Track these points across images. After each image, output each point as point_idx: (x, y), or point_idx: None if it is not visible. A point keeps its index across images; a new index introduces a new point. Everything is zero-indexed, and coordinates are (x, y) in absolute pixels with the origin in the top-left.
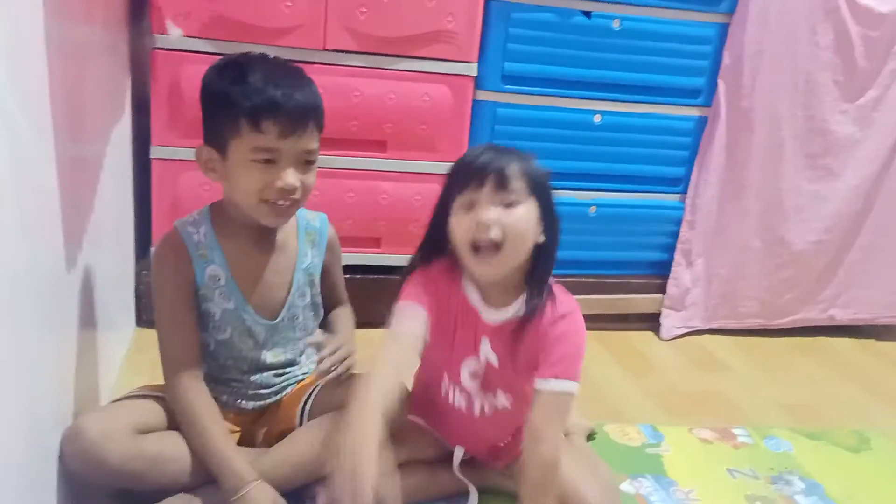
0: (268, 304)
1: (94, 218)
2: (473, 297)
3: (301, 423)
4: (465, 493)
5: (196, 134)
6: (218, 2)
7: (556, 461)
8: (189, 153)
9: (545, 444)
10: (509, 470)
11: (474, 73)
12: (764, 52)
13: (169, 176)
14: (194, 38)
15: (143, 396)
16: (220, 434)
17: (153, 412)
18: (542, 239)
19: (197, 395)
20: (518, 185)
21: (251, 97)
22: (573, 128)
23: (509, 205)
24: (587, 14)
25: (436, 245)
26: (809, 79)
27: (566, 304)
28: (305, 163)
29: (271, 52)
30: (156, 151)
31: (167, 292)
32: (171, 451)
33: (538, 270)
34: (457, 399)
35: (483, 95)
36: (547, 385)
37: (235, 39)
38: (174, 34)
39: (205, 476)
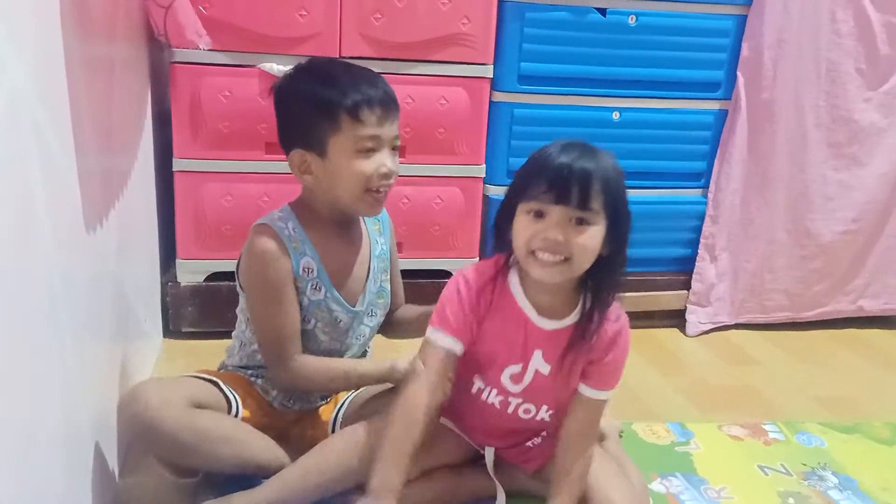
0: (351, 292)
1: (121, 230)
2: (525, 305)
3: (333, 431)
4: (493, 497)
5: (216, 146)
6: (234, 14)
7: (591, 460)
8: (210, 165)
9: (590, 443)
10: (540, 475)
11: (490, 75)
12: (783, 42)
13: (192, 188)
14: (212, 50)
15: (198, 377)
16: (340, 364)
17: (209, 392)
18: (605, 252)
19: (311, 358)
20: (595, 204)
21: (347, 93)
22: (592, 126)
23: (581, 222)
24: (602, 11)
25: (501, 241)
26: (831, 68)
27: (621, 316)
28: (394, 149)
29: (288, 62)
30: (178, 164)
31: (278, 280)
32: (223, 431)
33: (600, 280)
34: (490, 398)
35: (500, 97)
36: (596, 394)
37: (253, 50)
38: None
39: (251, 464)
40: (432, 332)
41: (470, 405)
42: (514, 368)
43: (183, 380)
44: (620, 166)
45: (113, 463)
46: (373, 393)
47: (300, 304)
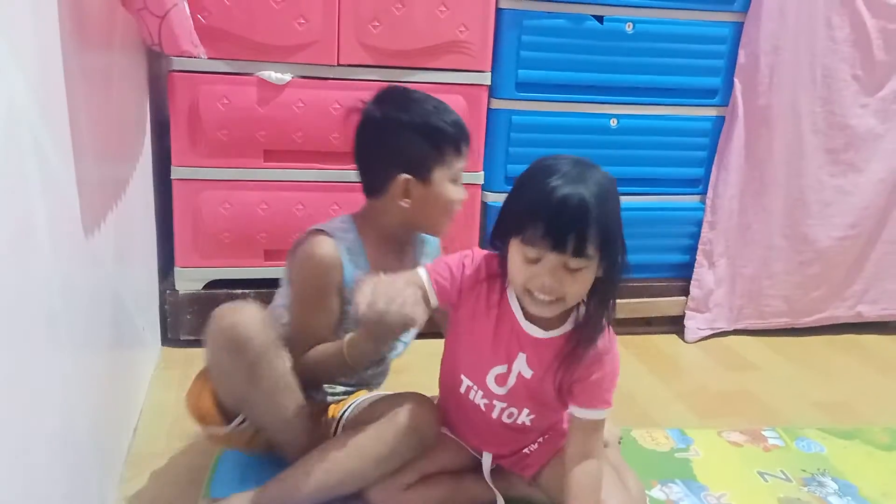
0: None
1: (120, 238)
2: (516, 309)
3: (335, 432)
4: (493, 503)
5: (214, 154)
6: (232, 22)
7: (600, 474)
8: (209, 172)
9: (590, 461)
10: (537, 480)
11: (488, 82)
12: (780, 48)
13: (190, 195)
14: (211, 59)
15: None
16: (319, 349)
17: None
18: (599, 275)
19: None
20: (591, 250)
21: (455, 126)
22: (589, 133)
23: (576, 270)
24: (599, 19)
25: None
26: (827, 73)
27: (609, 338)
28: None
29: (287, 69)
30: (176, 172)
31: (325, 288)
32: (291, 380)
33: (593, 301)
34: (477, 399)
35: (498, 104)
36: (588, 414)
37: (251, 58)
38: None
39: (293, 427)
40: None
41: (460, 408)
42: (500, 369)
43: None
44: (615, 185)
45: (112, 470)
46: (376, 398)
47: (346, 313)
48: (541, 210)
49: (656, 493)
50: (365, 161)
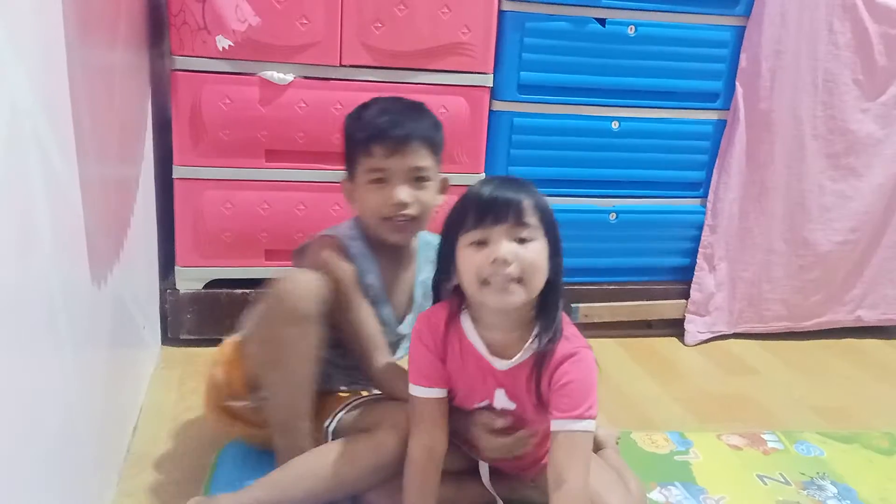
0: (398, 313)
1: (121, 238)
2: (478, 344)
3: (326, 437)
4: None
5: (216, 153)
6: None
7: (584, 499)
8: (210, 172)
9: (570, 484)
10: (537, 482)
11: (490, 84)
12: (781, 52)
13: (191, 195)
14: (213, 58)
15: None
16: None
17: None
18: (549, 275)
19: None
20: (532, 220)
21: (364, 128)
22: (591, 135)
23: (523, 240)
24: (602, 21)
25: (445, 281)
26: (828, 78)
27: (573, 343)
28: (417, 180)
29: (288, 70)
30: (178, 171)
31: (355, 287)
32: (315, 358)
33: (547, 308)
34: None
35: (500, 106)
36: (563, 426)
37: (253, 58)
38: (223, 44)
39: (299, 405)
40: (414, 388)
41: (460, 418)
42: (485, 404)
43: None
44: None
45: (111, 469)
46: (371, 403)
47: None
48: (476, 198)
49: (655, 495)
50: None
